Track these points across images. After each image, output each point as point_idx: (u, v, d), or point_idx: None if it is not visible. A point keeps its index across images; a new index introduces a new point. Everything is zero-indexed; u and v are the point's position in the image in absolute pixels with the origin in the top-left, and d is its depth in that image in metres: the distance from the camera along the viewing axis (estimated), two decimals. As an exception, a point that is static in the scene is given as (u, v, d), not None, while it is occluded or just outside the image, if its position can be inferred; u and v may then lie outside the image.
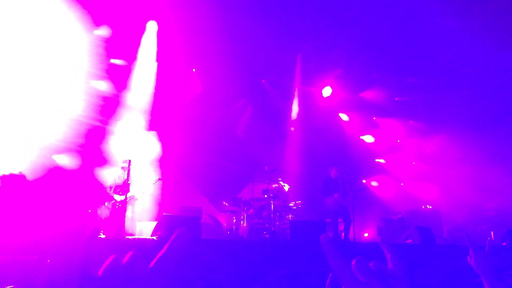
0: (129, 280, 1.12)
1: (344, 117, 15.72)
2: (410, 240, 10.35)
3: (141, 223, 10.84)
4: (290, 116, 15.14)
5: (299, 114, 15.08)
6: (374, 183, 15.35)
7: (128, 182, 10.24)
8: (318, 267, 6.73)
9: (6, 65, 11.12)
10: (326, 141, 14.72)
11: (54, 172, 11.58)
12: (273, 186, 11.92)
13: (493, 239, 12.21)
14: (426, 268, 8.12)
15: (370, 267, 1.37)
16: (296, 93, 15.23)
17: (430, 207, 13.03)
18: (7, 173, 8.24)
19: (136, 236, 10.01)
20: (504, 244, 10.22)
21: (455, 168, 14.08)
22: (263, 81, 15.09)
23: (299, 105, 15.19)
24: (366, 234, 13.82)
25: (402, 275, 1.30)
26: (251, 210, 11.32)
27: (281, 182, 12.08)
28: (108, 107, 12.55)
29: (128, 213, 9.62)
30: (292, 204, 11.55)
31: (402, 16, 12.65)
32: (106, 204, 10.68)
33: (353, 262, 1.39)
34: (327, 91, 15.25)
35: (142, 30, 13.06)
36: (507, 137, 13.82)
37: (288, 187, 12.17)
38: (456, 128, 14.10)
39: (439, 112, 14.72)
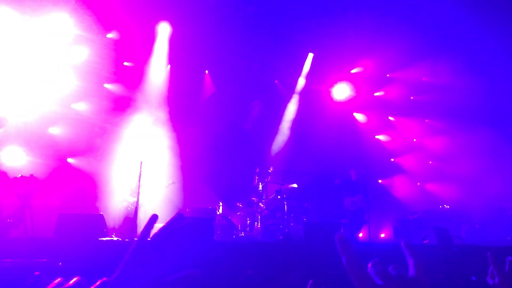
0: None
1: (359, 116, 15.54)
2: (427, 241, 10.17)
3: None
4: (304, 117, 14.96)
5: (312, 114, 14.91)
6: (390, 183, 15.12)
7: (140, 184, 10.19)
8: (333, 269, 6.60)
9: (19, 71, 11.27)
10: (341, 141, 14.54)
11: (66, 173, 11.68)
12: (287, 186, 11.85)
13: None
14: (444, 269, 7.94)
15: (389, 271, 1.22)
16: (308, 93, 15.08)
17: (448, 206, 12.78)
18: (18, 175, 8.29)
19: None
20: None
21: (472, 167, 13.81)
22: (276, 81, 14.98)
23: (312, 105, 15.03)
24: (382, 235, 13.63)
25: (424, 282, 1.16)
26: (265, 211, 11.23)
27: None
28: (121, 110, 12.58)
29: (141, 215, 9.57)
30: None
31: (416, 13, 12.48)
32: (120, 206, 10.69)
33: (369, 265, 1.24)
34: (341, 91, 15.09)
35: (154, 32, 13.06)
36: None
37: (296, 185, 12.13)
38: (473, 126, 13.83)
39: (456, 110, 14.46)
